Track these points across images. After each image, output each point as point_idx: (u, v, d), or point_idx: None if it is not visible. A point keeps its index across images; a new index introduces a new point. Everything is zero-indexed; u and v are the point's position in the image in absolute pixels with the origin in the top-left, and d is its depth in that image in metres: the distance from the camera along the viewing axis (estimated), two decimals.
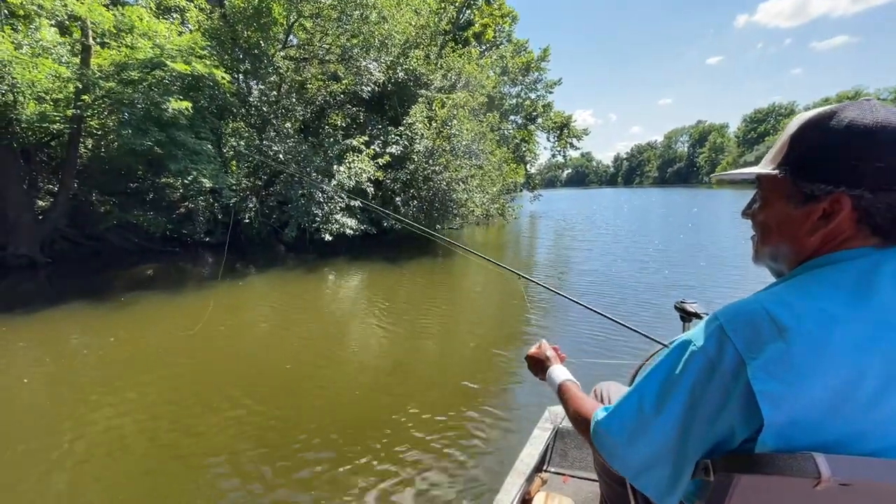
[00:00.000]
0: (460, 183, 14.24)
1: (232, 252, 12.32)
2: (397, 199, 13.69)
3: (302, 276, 9.42)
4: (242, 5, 11.74)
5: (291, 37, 13.47)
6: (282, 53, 12.53)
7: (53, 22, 9.53)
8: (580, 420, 0.88)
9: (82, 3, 8.74)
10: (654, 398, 0.69)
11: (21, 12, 9.92)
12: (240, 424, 3.42)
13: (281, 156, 12.15)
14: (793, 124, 0.69)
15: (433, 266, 10.57)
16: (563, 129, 33.88)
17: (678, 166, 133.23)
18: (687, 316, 1.70)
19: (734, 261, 9.49)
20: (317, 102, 14.03)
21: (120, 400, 3.85)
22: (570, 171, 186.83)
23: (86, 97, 8.70)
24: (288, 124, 13.17)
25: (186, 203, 12.22)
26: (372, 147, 12.66)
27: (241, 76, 12.74)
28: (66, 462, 2.97)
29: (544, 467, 2.10)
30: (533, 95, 30.80)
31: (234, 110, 12.67)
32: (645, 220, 22.80)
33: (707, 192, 57.88)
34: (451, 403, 3.68)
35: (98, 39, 9.57)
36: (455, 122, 13.62)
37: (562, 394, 1.01)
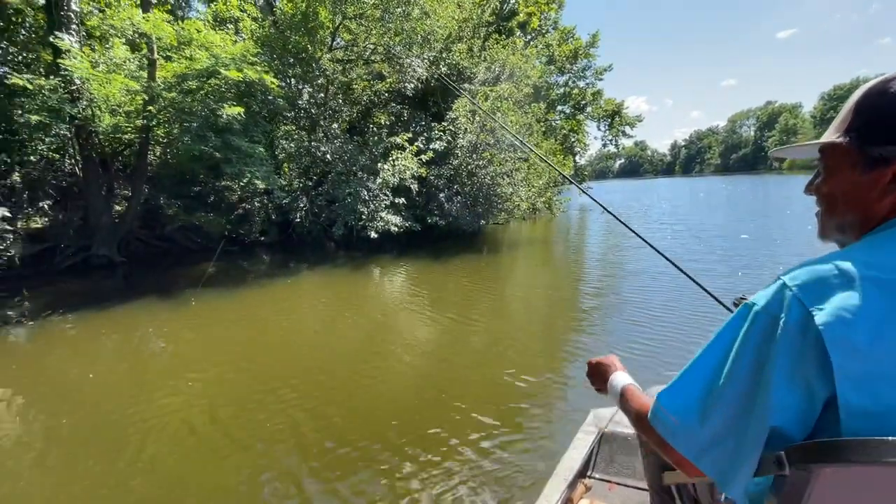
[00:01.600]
0: (505, 177, 13.99)
1: (284, 250, 12.89)
2: (441, 195, 13.68)
3: (350, 273, 9.65)
4: (291, 11, 12.18)
5: (337, 39, 13.80)
6: (328, 56, 12.87)
7: (124, 40, 10.34)
8: (642, 413, 0.82)
9: (147, 20, 9.42)
10: (717, 366, 0.66)
11: (97, 33, 10.89)
12: (293, 413, 3.53)
13: (329, 156, 12.51)
14: (856, 94, 0.68)
15: (478, 262, 10.45)
16: (614, 118, 32.43)
17: (743, 152, 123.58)
18: None
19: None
20: (362, 102, 14.31)
21: (185, 386, 4.11)
22: (622, 161, 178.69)
23: (152, 108, 9.37)
24: (335, 125, 13.53)
25: (243, 204, 12.91)
26: (415, 144, 12.71)
27: (291, 80, 13.23)
28: (140, 441, 3.19)
29: (588, 473, 2.00)
30: (581, 83, 29.71)
31: (285, 114, 13.20)
32: (716, 209, 21.29)
33: (777, 179, 53.26)
34: (492, 402, 3.59)
35: (162, 53, 10.27)
36: (499, 114, 13.37)
37: (625, 397, 0.94)
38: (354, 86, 13.90)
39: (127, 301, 7.54)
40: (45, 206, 10.44)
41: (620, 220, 1.97)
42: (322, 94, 13.28)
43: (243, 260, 11.39)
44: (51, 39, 8.99)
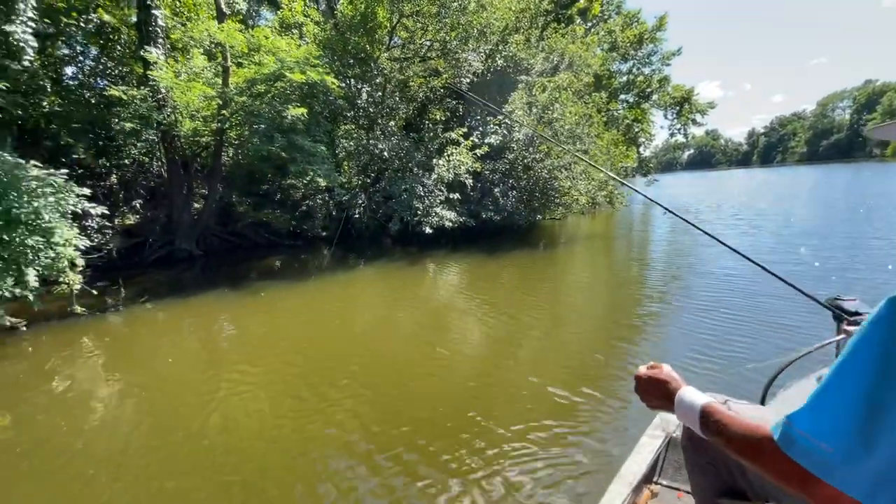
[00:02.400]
0: (563, 170, 13.52)
1: (344, 245, 13.36)
2: (496, 189, 13.50)
3: (405, 268, 9.80)
4: (351, 13, 12.54)
5: (394, 38, 14.03)
6: (386, 55, 13.11)
7: (202, 50, 11.18)
8: (754, 439, 0.70)
9: (222, 30, 10.10)
10: (872, 378, 0.54)
11: (179, 45, 11.86)
12: (349, 403, 3.64)
13: (385, 153, 12.78)
14: None
15: (533, 258, 10.19)
16: (683, 105, 30.23)
17: (836, 138, 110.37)
18: (842, 315, 1.44)
19: None
20: (418, 99, 14.45)
21: (253, 371, 4.37)
22: (691, 151, 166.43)
23: (225, 112, 10.05)
24: (392, 122, 13.78)
25: (306, 202, 13.54)
26: (470, 138, 12.63)
27: (350, 81, 13.65)
28: (212, 415, 3.47)
29: (654, 479, 1.89)
30: (647, 70, 27.99)
31: (345, 113, 13.65)
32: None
33: (879, 167, 47.09)
34: (547, 400, 3.48)
35: (234, 60, 10.98)
36: (557, 105, 12.92)
37: (711, 417, 0.81)
38: (411, 83, 14.06)
39: (204, 291, 8.18)
40: (137, 205, 11.59)
41: (694, 225, 1.78)
42: (380, 93, 13.57)
43: (306, 254, 11.95)
44: (141, 53, 9.92)
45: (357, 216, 13.12)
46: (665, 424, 2.02)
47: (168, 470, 2.89)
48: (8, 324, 5.28)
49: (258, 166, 12.00)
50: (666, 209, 2.07)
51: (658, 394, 0.94)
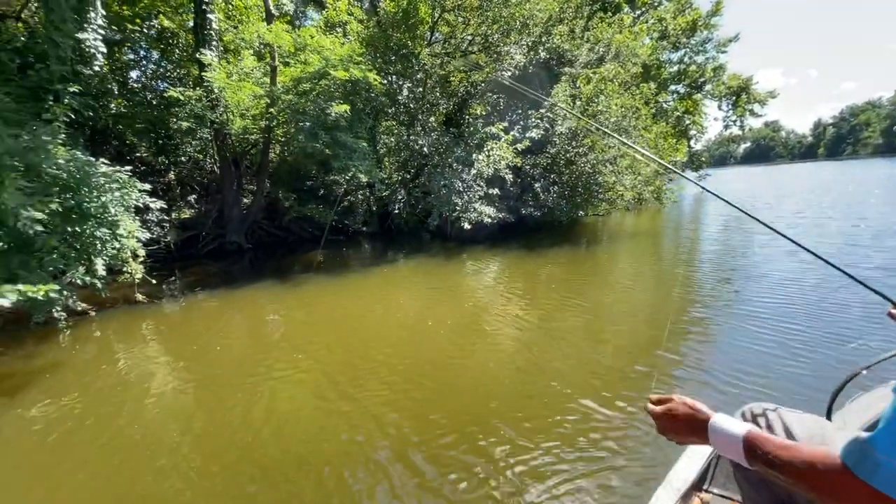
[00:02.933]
0: (608, 164, 13.05)
1: (383, 240, 13.57)
2: (536, 185, 13.24)
3: (443, 263, 9.81)
4: (393, 10, 12.65)
5: (436, 34, 14.02)
6: (427, 51, 13.13)
7: (252, 51, 11.64)
8: (820, 468, 0.60)
9: (270, 31, 10.47)
10: None
11: (231, 46, 12.41)
12: (388, 393, 3.71)
13: (426, 149, 12.82)
14: None
15: (575, 255, 9.91)
16: (739, 95, 28.39)
17: None
18: None
19: None
20: (459, 94, 14.38)
21: (296, 359, 4.52)
22: (748, 144, 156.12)
23: (273, 110, 10.43)
24: (432, 118, 13.81)
25: (348, 197, 13.86)
26: (511, 133, 12.43)
27: (392, 77, 13.79)
28: (258, 398, 3.62)
29: (704, 486, 1.79)
30: (700, 58, 26.46)
31: (386, 110, 13.81)
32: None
33: None
34: (589, 399, 3.35)
35: (282, 60, 11.37)
36: (602, 97, 12.47)
37: (759, 448, 0.70)
38: (451, 78, 14.02)
39: (252, 282, 8.55)
40: (192, 200, 12.28)
41: (759, 220, 1.62)
42: (420, 89, 13.62)
43: (347, 248, 12.23)
44: (197, 56, 10.46)
45: (396, 211, 13.27)
46: None
47: (214, 449, 3.05)
48: (80, 308, 5.73)
49: (303, 163, 12.40)
50: (726, 201, 1.91)
51: (684, 428, 0.85)
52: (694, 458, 1.81)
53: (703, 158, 30.45)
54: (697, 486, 1.78)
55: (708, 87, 27.20)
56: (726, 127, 30.10)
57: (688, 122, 25.70)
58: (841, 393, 1.35)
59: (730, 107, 28.69)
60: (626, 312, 5.84)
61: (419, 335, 5.28)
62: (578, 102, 12.64)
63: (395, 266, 9.82)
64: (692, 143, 27.08)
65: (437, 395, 3.70)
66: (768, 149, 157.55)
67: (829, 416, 1.35)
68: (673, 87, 26.11)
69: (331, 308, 6.73)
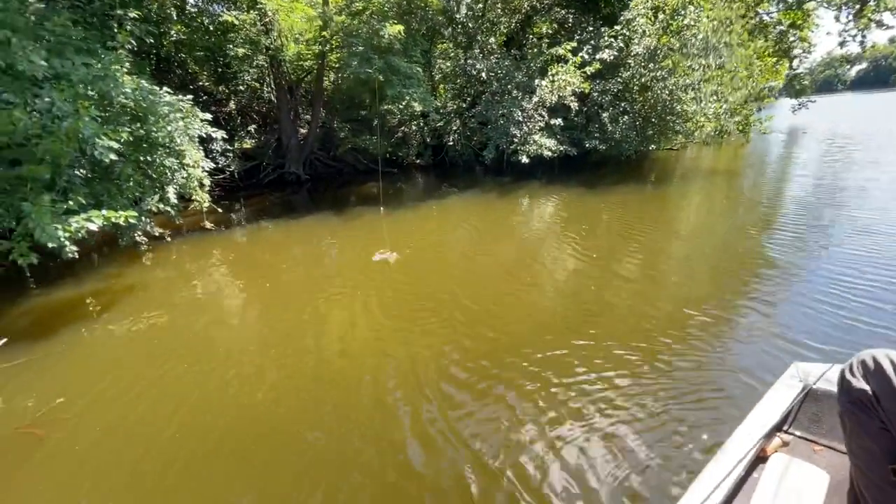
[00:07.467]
0: (689, 90, 11.54)
1: (437, 173, 13.29)
2: (604, 114, 12.08)
3: (496, 200, 9.47)
4: None
5: None
6: None
7: None
8: None
9: None
10: None
11: None
12: (446, 327, 3.78)
13: (483, 74, 11.95)
14: None
15: (641, 195, 9.15)
16: (867, 1, 23.36)
17: None
18: None
19: None
20: (522, 10, 13.00)
21: (353, 292, 4.64)
22: (863, 66, 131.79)
23: (325, 33, 10.00)
24: (492, 39, 12.71)
25: (402, 128, 13.50)
26: (580, 54, 11.17)
27: None
28: (310, 320, 3.93)
29: (785, 428, 1.84)
30: None
31: (442, 31, 12.84)
32: None
33: None
34: (659, 339, 3.31)
35: None
36: (691, 8, 10.70)
37: None
38: None
39: (310, 213, 8.80)
40: (252, 130, 12.51)
41: None
42: (480, 5, 12.42)
43: (401, 181, 12.14)
44: None
45: (451, 143, 12.81)
46: (803, 375, 1.90)
47: (277, 365, 3.33)
48: (157, 233, 6.18)
49: (356, 91, 12.06)
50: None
51: None
52: (776, 400, 1.80)
53: (806, 82, 26.07)
54: (779, 426, 1.79)
55: None
56: (842, 44, 25.21)
57: (792, 38, 21.79)
58: None
59: (850, 17, 23.76)
60: (695, 255, 5.37)
61: (473, 269, 5.28)
62: (662, 16, 10.97)
63: (447, 201, 9.62)
64: (794, 63, 23.15)
65: (492, 320, 3.82)
66: (887, 72, 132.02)
67: None
68: None
69: (387, 241, 6.73)
